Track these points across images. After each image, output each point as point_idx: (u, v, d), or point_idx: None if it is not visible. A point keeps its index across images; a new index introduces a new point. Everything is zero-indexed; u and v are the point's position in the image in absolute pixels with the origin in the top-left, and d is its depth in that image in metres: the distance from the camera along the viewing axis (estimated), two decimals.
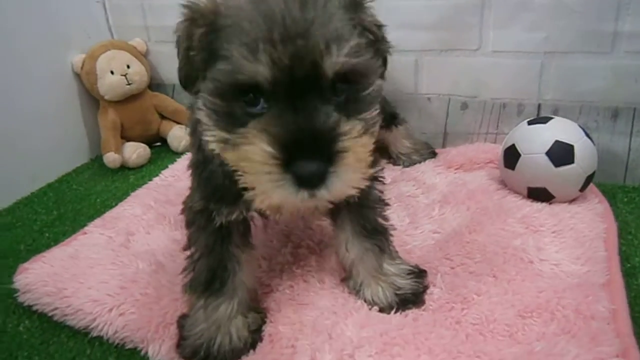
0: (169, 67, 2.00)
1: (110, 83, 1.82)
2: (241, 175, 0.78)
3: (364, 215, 1.07)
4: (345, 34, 0.77)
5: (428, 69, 1.62)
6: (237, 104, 0.78)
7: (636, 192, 1.49)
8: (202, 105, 0.81)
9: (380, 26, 0.90)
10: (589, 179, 1.32)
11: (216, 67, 0.77)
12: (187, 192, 1.43)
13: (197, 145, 1.00)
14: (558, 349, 0.86)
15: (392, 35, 1.36)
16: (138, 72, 1.88)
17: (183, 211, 1.07)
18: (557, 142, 1.28)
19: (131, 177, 1.82)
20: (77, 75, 1.88)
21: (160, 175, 1.67)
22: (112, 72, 1.82)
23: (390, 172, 1.61)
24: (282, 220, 1.33)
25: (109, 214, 1.46)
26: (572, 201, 1.34)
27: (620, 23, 1.37)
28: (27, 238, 1.49)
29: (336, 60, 0.74)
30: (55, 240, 1.46)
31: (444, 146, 1.72)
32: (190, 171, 1.05)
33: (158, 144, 2.03)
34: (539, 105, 1.55)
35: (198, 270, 1.03)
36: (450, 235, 1.26)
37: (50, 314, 1.15)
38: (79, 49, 1.87)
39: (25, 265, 1.25)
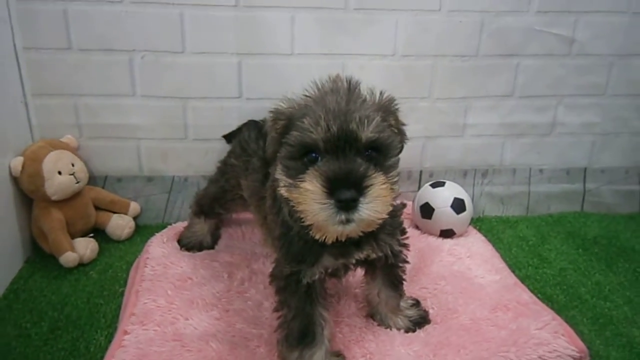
0: (101, 161, 2.07)
1: (59, 184, 1.83)
2: (299, 207, 1.15)
3: (393, 272, 1.52)
4: (373, 117, 1.19)
5: None
6: (301, 161, 1.19)
7: (480, 222, 2.30)
8: (279, 167, 1.24)
9: (402, 124, 1.40)
10: (471, 220, 2.06)
11: (291, 135, 1.19)
12: (186, 278, 1.72)
13: (280, 220, 1.37)
14: (524, 325, 1.50)
15: None
16: (82, 169, 1.93)
17: (272, 280, 1.38)
18: (455, 198, 1.99)
19: (92, 273, 1.84)
20: (13, 178, 1.81)
21: (146, 267, 1.78)
22: (59, 173, 1.84)
23: None
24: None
25: (134, 311, 1.54)
26: (464, 235, 2.05)
27: (467, 118, 2.18)
28: (40, 353, 1.46)
29: (366, 131, 1.16)
30: (76, 349, 1.48)
31: None
32: (275, 244, 1.38)
33: (91, 235, 2.05)
34: (421, 172, 2.27)
35: (292, 328, 1.34)
36: (413, 271, 1.81)
37: None
38: (12, 150, 1.82)
39: None
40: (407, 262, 1.58)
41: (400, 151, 1.38)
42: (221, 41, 1.93)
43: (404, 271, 1.58)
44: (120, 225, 2.04)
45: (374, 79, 1.89)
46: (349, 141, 1.15)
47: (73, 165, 1.89)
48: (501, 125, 2.22)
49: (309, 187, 1.12)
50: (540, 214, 2.36)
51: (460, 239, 2.02)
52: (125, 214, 2.09)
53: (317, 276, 1.33)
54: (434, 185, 2.06)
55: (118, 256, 1.94)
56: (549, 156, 2.31)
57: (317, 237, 1.19)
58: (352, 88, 1.26)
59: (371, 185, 1.13)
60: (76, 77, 1.92)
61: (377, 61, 2.04)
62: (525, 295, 1.66)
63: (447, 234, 2.01)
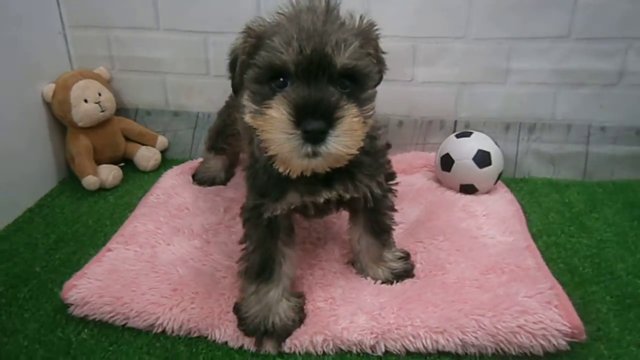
0: (132, 93, 2.16)
1: (85, 111, 1.95)
2: (264, 136, 1.06)
3: (376, 219, 1.41)
4: (351, 42, 1.08)
5: None
6: (269, 85, 1.09)
7: (523, 182, 2.05)
8: (246, 92, 1.14)
9: (382, 52, 1.26)
10: (499, 176, 1.83)
11: (259, 55, 1.09)
12: (183, 207, 1.72)
13: (250, 152, 1.31)
14: (513, 290, 1.31)
15: None
16: (109, 99, 2.02)
17: (240, 212, 1.34)
18: (479, 150, 1.77)
19: (110, 198, 1.96)
20: (46, 104, 1.96)
21: (152, 194, 1.85)
22: (85, 101, 1.95)
23: None
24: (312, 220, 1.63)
25: (123, 232, 1.63)
26: (489, 192, 1.84)
27: (510, 62, 1.91)
28: (38, 260, 1.59)
29: (342, 57, 1.05)
30: (69, 260, 1.60)
31: None
32: (244, 176, 1.34)
33: (122, 164, 2.17)
34: (455, 122, 2.05)
35: (252, 261, 1.30)
36: (415, 224, 1.68)
37: (110, 320, 1.33)
38: (45, 78, 1.95)
39: (71, 282, 1.40)
40: (393, 209, 1.46)
41: (378, 82, 1.26)
42: None
43: (390, 219, 1.46)
44: (146, 156, 2.13)
45: (398, 12, 1.76)
46: (322, 66, 1.04)
47: (100, 94, 1.99)
48: (553, 72, 1.92)
49: (274, 115, 1.03)
50: (600, 179, 2.04)
51: (483, 196, 1.81)
52: (153, 146, 2.17)
53: (278, 211, 1.26)
54: (458, 136, 1.86)
55: (139, 185, 2.03)
56: (614, 111, 1.96)
57: (280, 170, 1.12)
58: (330, 8, 1.14)
59: (342, 117, 1.04)
60: (107, 9, 2.00)
61: None
62: (530, 260, 1.46)
63: (467, 189, 1.82)
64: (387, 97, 1.99)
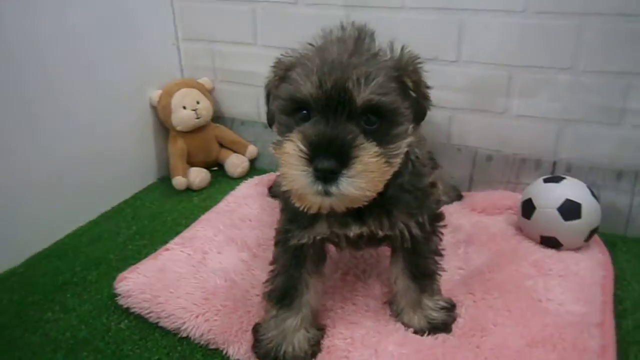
0: (230, 103, 2.30)
1: (182, 117, 2.11)
2: (281, 168, 1.03)
3: (416, 262, 1.30)
4: (376, 76, 1.00)
5: (459, 124, 1.89)
6: (294, 118, 1.06)
7: (634, 243, 1.72)
8: (275, 122, 1.12)
9: (426, 86, 1.16)
10: (593, 232, 1.56)
11: (282, 87, 1.07)
12: (248, 219, 1.75)
13: None
14: None
15: (431, 93, 1.68)
16: (205, 107, 2.17)
17: (275, 234, 1.33)
18: (567, 200, 1.53)
19: (195, 199, 2.10)
20: (153, 108, 2.17)
21: (224, 201, 1.95)
22: (184, 107, 2.12)
23: None
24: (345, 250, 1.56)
25: (185, 234, 1.74)
26: (577, 249, 1.58)
27: (627, 101, 1.62)
28: (114, 249, 1.77)
29: (363, 93, 0.99)
30: (138, 252, 1.73)
31: (469, 190, 1.98)
32: (281, 198, 1.33)
33: (215, 168, 2.31)
34: (554, 163, 1.80)
35: (276, 285, 1.29)
36: (474, 272, 1.51)
37: (146, 316, 1.42)
38: (156, 84, 2.16)
39: (124, 274, 1.53)
40: (438, 253, 1.35)
41: (419, 119, 1.17)
42: None
43: (434, 263, 1.35)
44: (235, 163, 2.24)
45: (494, 37, 1.63)
46: (342, 101, 0.99)
47: (198, 102, 2.15)
48: None
49: (288, 150, 1.00)
50: None
51: (566, 252, 1.56)
52: (243, 154, 2.28)
53: (305, 240, 1.23)
54: (547, 180, 1.62)
55: (223, 190, 2.14)
56: None
57: (297, 204, 1.08)
58: (361, 37, 1.09)
59: (357, 157, 0.98)
60: (213, 24, 2.15)
61: (502, 18, 1.68)
62: (595, 340, 1.22)
63: (549, 242, 1.58)
64: (475, 128, 1.85)
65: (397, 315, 1.37)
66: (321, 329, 1.33)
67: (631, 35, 1.54)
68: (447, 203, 1.90)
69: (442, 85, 1.83)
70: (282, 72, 1.12)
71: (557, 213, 1.53)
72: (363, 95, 1.00)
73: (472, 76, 1.78)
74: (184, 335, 1.36)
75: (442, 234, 1.35)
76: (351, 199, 1.02)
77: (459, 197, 1.93)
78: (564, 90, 1.69)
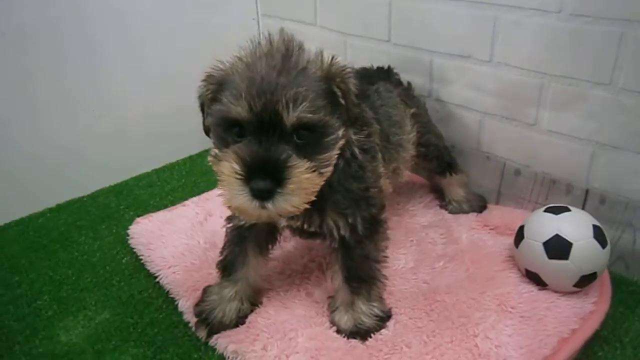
0: None
1: None
2: (220, 184, 1.08)
3: (348, 265, 1.32)
4: (305, 96, 1.03)
5: (490, 130, 1.72)
6: (230, 132, 1.09)
7: None
8: (212, 133, 1.16)
9: (355, 94, 1.15)
10: (587, 279, 1.34)
11: (214, 107, 1.11)
12: None
13: None
14: None
15: (460, 92, 1.71)
16: None
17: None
18: (557, 235, 1.34)
19: None
20: None
21: None
22: None
23: (432, 215, 1.79)
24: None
25: (205, 194, 1.96)
26: (567, 294, 1.38)
27: None
28: (157, 197, 2.08)
29: (292, 114, 1.02)
30: (173, 203, 2.01)
31: (497, 202, 1.81)
32: None
33: None
34: (587, 191, 1.55)
35: (223, 257, 1.42)
36: (434, 289, 1.44)
37: (139, 257, 1.69)
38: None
39: (139, 219, 1.81)
40: (374, 260, 1.35)
41: (352, 123, 1.19)
42: None
43: (370, 269, 1.35)
44: None
45: (529, 40, 1.51)
46: (273, 123, 1.03)
47: None
48: None
49: (225, 171, 1.06)
50: None
51: (547, 294, 1.37)
52: None
53: (242, 222, 1.34)
54: (548, 209, 1.42)
55: None
56: None
57: (237, 215, 1.19)
58: (289, 53, 1.09)
59: (290, 177, 1.05)
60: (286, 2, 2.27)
61: (537, 18, 1.47)
62: None
63: (533, 278, 1.41)
64: (504, 137, 1.69)
65: (331, 311, 1.40)
66: (255, 304, 1.43)
67: None
68: (468, 211, 1.78)
69: (474, 85, 1.70)
70: (214, 86, 1.13)
71: (541, 248, 1.35)
72: (293, 116, 1.03)
73: (504, 80, 1.60)
74: (158, 280, 1.59)
75: (381, 240, 1.33)
76: (285, 213, 1.08)
77: (482, 209, 1.79)
78: (600, 109, 1.42)
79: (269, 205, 1.03)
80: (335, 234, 1.26)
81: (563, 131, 1.53)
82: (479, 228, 1.69)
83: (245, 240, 1.39)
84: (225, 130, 1.10)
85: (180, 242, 1.68)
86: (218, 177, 1.09)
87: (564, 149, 1.55)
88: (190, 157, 2.39)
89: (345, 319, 1.35)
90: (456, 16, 1.65)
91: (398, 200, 1.87)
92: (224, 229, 1.42)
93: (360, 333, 1.32)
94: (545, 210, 1.42)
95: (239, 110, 1.03)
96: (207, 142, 2.24)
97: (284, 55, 1.08)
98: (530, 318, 1.31)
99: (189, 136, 2.18)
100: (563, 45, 1.44)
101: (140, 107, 2.17)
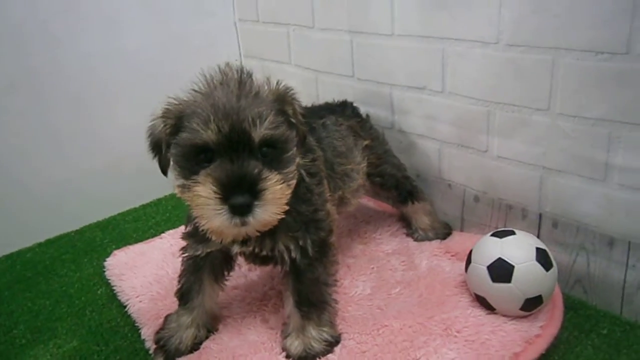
0: None
1: None
2: (194, 210, 1.14)
3: (299, 289, 1.36)
4: (266, 114, 1.13)
5: (449, 158, 1.76)
6: (193, 161, 1.15)
7: (629, 327, 1.40)
8: (173, 167, 1.22)
9: (302, 114, 1.26)
10: (533, 302, 1.34)
11: (180, 136, 1.16)
12: None
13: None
14: None
15: (419, 123, 1.80)
16: None
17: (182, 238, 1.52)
18: (499, 259, 1.35)
19: None
20: None
21: None
22: None
23: (397, 243, 1.81)
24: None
25: (183, 227, 2.03)
26: (516, 318, 1.38)
27: (611, 154, 1.33)
28: (140, 230, 2.17)
29: (259, 131, 1.11)
30: (154, 236, 2.10)
31: (461, 229, 1.83)
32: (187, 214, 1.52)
33: None
34: (540, 215, 1.56)
35: (180, 285, 1.48)
36: (382, 315, 1.46)
37: (112, 288, 1.77)
38: None
39: (116, 251, 1.91)
40: (325, 283, 1.40)
41: (300, 143, 1.29)
42: (337, 18, 1.93)
43: (320, 293, 1.39)
44: None
45: (473, 72, 1.57)
46: (241, 142, 1.11)
47: None
48: None
49: (202, 194, 1.10)
50: None
51: (490, 317, 1.38)
52: None
53: (199, 252, 1.39)
54: (494, 233, 1.44)
55: None
56: None
57: (213, 238, 1.24)
58: (242, 80, 1.20)
59: (265, 187, 1.13)
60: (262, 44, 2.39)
61: (478, 50, 1.53)
62: None
63: (482, 302, 1.42)
64: (462, 165, 1.74)
65: (283, 337, 1.43)
66: (211, 331, 1.48)
67: (614, 75, 1.26)
68: (431, 239, 1.81)
69: (431, 115, 1.76)
70: (173, 120, 1.18)
71: (486, 272, 1.37)
72: (259, 132, 1.12)
73: (456, 109, 1.66)
74: (127, 309, 1.66)
75: (331, 263, 1.37)
76: (263, 224, 1.15)
77: (446, 235, 1.81)
78: (542, 134, 1.46)
79: (250, 218, 1.09)
80: (286, 257, 1.31)
81: (512, 157, 1.56)
82: (440, 255, 1.71)
83: (201, 269, 1.44)
84: (191, 158, 1.15)
85: (150, 273, 1.75)
86: (191, 204, 1.14)
87: (515, 175, 1.58)
88: (172, 194, 2.49)
89: (295, 344, 1.38)
90: (409, 50, 1.72)
91: (365, 229, 1.91)
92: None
93: (308, 358, 1.35)
94: (492, 235, 1.44)
95: (209, 133, 1.10)
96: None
97: (238, 82, 1.18)
98: (474, 342, 1.31)
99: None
100: (503, 74, 1.49)
101: (129, 144, 2.30)
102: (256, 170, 1.10)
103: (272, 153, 1.16)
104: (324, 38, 2.02)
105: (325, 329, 1.38)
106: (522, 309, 1.35)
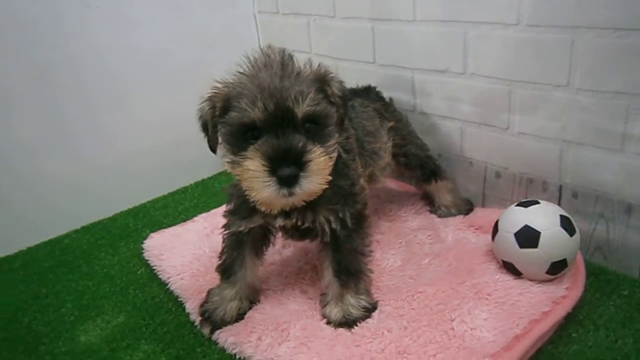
0: None
1: None
2: (244, 183, 1.24)
3: (338, 259, 1.45)
4: (307, 92, 1.22)
5: (470, 137, 1.85)
6: (242, 138, 1.25)
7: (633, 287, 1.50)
8: (222, 145, 1.32)
9: (341, 96, 1.34)
10: (558, 266, 1.43)
11: (229, 116, 1.26)
12: None
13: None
14: None
15: (441, 104, 1.88)
16: None
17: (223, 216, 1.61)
18: (526, 226, 1.44)
19: None
20: None
21: None
22: None
23: (421, 220, 1.90)
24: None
25: (214, 211, 2.12)
26: (542, 282, 1.47)
27: (628, 125, 1.42)
28: (171, 216, 2.25)
29: (302, 106, 1.21)
30: (185, 221, 2.18)
31: (482, 205, 1.92)
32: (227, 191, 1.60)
33: None
34: (560, 187, 1.65)
35: (222, 261, 1.56)
36: (416, 284, 1.55)
37: (152, 268, 1.86)
38: None
39: (153, 234, 1.99)
40: (362, 253, 1.48)
41: (340, 122, 1.37)
42: (359, 7, 2.01)
43: (357, 262, 1.48)
44: None
45: (494, 53, 1.67)
46: (286, 118, 1.21)
47: None
48: None
49: (251, 167, 1.20)
50: None
51: (518, 281, 1.47)
52: None
53: (242, 228, 1.47)
54: (519, 203, 1.53)
55: None
56: None
57: (262, 209, 1.33)
58: (285, 62, 1.29)
59: (310, 160, 1.22)
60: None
61: (499, 31, 1.61)
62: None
63: (509, 268, 1.51)
64: (484, 143, 1.82)
65: (322, 306, 1.52)
66: (253, 302, 1.57)
67: (626, 51, 1.35)
68: (455, 215, 1.89)
69: (453, 96, 1.84)
70: (221, 102, 1.28)
71: (513, 238, 1.46)
72: (301, 109, 1.22)
73: (477, 89, 1.74)
74: (168, 287, 1.75)
75: (366, 235, 1.46)
76: (309, 194, 1.25)
77: (469, 211, 1.90)
78: (562, 109, 1.54)
79: (297, 189, 1.19)
80: (327, 228, 1.40)
81: (533, 132, 1.65)
82: (464, 228, 1.80)
83: (243, 245, 1.53)
84: (240, 135, 1.25)
85: (188, 252, 1.84)
86: (241, 178, 1.24)
87: (536, 149, 1.66)
88: (203, 180, 2.58)
89: (335, 312, 1.47)
90: (430, 35, 1.81)
91: (390, 207, 2.00)
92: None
93: (348, 323, 1.43)
94: (517, 205, 1.53)
95: (256, 112, 1.20)
96: (217, 167, 2.42)
97: (281, 63, 1.27)
98: (505, 303, 1.40)
99: (201, 163, 2.44)
100: (524, 53, 1.57)
101: (145, 138, 2.39)
102: (301, 144, 1.19)
103: (314, 128, 1.25)
104: (345, 26, 2.10)
105: (362, 296, 1.47)
106: (547, 272, 1.44)
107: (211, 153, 1.38)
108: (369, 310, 1.46)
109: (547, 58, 1.52)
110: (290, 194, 1.20)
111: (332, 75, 1.33)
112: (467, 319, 1.36)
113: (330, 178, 1.26)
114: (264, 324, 1.46)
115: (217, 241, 1.85)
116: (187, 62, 2.40)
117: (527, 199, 1.55)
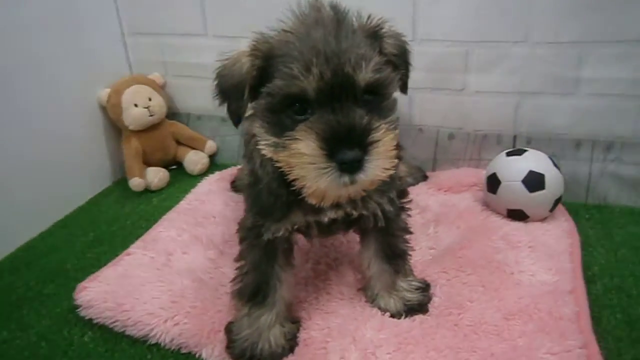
0: (184, 98, 2.22)
1: (134, 115, 2.02)
2: (292, 171, 0.98)
3: (388, 242, 1.29)
4: (370, 56, 0.99)
5: (420, 103, 1.87)
6: (286, 114, 0.99)
7: (595, 210, 1.76)
8: (257, 120, 1.03)
9: (398, 54, 1.13)
10: (557, 202, 1.58)
11: (272, 84, 0.98)
12: (210, 216, 1.68)
13: (251, 169, 1.23)
14: (536, 343, 1.12)
15: None
16: (158, 104, 2.08)
17: (238, 229, 1.28)
18: (530, 171, 1.54)
19: (154, 200, 2.01)
20: (103, 108, 2.07)
21: (185, 199, 1.88)
22: (136, 105, 2.02)
23: None
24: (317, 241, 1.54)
25: (147, 236, 1.66)
26: (543, 220, 1.60)
27: (581, 70, 1.64)
28: (71, 259, 1.68)
29: (364, 75, 0.97)
30: (98, 260, 1.65)
31: (433, 170, 1.97)
32: (244, 194, 1.27)
33: (174, 167, 2.23)
34: (515, 137, 1.82)
35: (245, 283, 1.24)
36: (445, 251, 1.51)
37: (110, 326, 1.35)
38: (104, 83, 2.06)
39: (84, 284, 1.44)
40: (407, 231, 1.34)
41: (403, 89, 1.18)
42: None
43: (404, 242, 1.34)
44: (194, 160, 2.16)
45: (448, 14, 1.62)
46: (345, 88, 0.96)
47: (150, 99, 2.05)
48: (635, 82, 1.61)
49: (304, 150, 0.95)
50: None
51: (533, 224, 1.57)
52: (202, 150, 2.20)
53: (280, 233, 1.18)
54: (509, 153, 1.63)
55: (184, 189, 2.05)
56: None
57: (313, 202, 1.03)
58: (340, 19, 1.02)
59: (376, 139, 0.95)
60: (160, 16, 2.06)
61: None
62: (569, 307, 1.23)
63: (516, 215, 1.59)
64: (435, 107, 1.84)
65: (372, 300, 1.35)
66: (296, 322, 1.29)
67: (584, 3, 1.55)
68: (413, 184, 1.89)
69: None
70: (260, 61, 1.01)
71: (521, 185, 1.54)
72: (364, 76, 0.97)
73: (429, 54, 1.77)
74: (153, 342, 1.30)
75: (409, 210, 1.34)
76: (374, 182, 1.00)
77: (424, 178, 1.93)
78: (520, 63, 1.69)
79: (360, 176, 0.95)
80: (379, 212, 1.22)
81: (490, 89, 1.76)
82: (436, 193, 1.82)
83: (274, 256, 1.23)
84: (283, 110, 0.99)
85: (160, 291, 1.40)
86: (289, 164, 0.98)
87: (492, 105, 1.78)
88: (81, 207, 1.99)
89: (392, 302, 1.32)
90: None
91: None
92: (237, 250, 1.26)
93: (415, 308, 1.31)
94: (509, 155, 1.62)
95: (310, 80, 0.94)
96: (92, 191, 1.88)
97: (335, 21, 1.01)
98: (536, 246, 1.47)
99: (66, 190, 1.93)
100: (481, 14, 1.66)
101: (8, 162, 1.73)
102: (364, 120, 0.96)
103: (373, 100, 1.01)
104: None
105: (410, 278, 1.37)
106: (550, 210, 1.58)
107: None
108: (423, 289, 1.36)
109: (507, 16, 1.64)
110: (352, 182, 0.96)
111: (384, 29, 1.11)
112: (522, 268, 1.39)
113: (396, 162, 1.03)
114: (333, 340, 1.22)
115: (187, 268, 1.52)
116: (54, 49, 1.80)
117: (514, 149, 1.66)
